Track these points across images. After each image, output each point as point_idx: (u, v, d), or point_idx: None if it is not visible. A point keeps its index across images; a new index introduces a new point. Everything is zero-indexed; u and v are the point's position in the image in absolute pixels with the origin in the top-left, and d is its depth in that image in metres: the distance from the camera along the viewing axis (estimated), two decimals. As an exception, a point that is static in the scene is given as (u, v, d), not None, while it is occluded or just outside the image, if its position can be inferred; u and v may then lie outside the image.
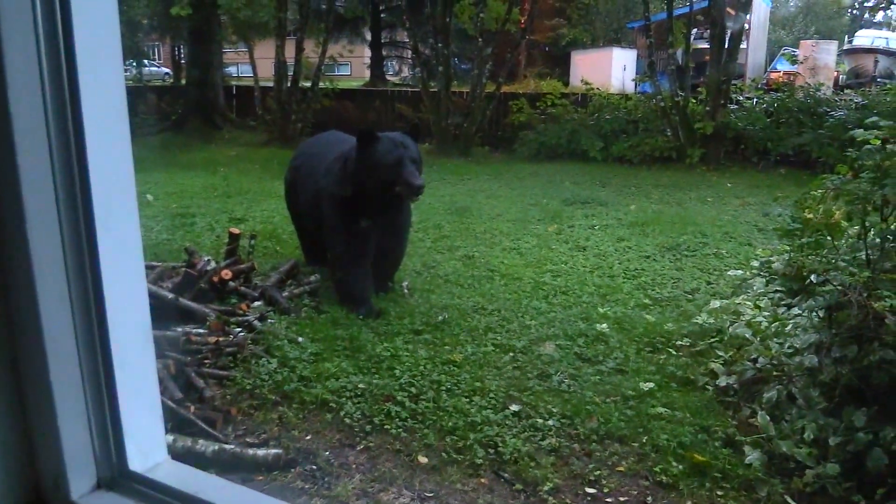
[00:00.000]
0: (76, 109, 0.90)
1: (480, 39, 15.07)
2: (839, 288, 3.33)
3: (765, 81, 19.64)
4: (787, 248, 4.16)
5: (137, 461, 1.03)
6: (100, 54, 0.92)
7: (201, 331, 4.30)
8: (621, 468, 3.21)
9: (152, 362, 1.07)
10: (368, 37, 30.02)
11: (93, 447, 1.00)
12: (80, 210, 0.92)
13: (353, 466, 3.23)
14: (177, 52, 26.03)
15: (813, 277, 3.55)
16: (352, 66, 33.28)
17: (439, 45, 15.06)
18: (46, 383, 0.94)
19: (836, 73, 24.23)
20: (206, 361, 4.05)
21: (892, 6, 16.76)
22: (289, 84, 16.16)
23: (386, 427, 3.49)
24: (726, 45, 13.37)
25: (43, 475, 1.00)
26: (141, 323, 1.04)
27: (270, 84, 16.98)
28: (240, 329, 4.42)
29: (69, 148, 0.91)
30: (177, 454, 2.89)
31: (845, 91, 18.54)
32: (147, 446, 1.05)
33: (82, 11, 0.89)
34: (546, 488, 3.04)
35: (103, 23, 0.93)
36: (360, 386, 3.82)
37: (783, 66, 23.84)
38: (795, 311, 3.93)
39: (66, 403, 0.96)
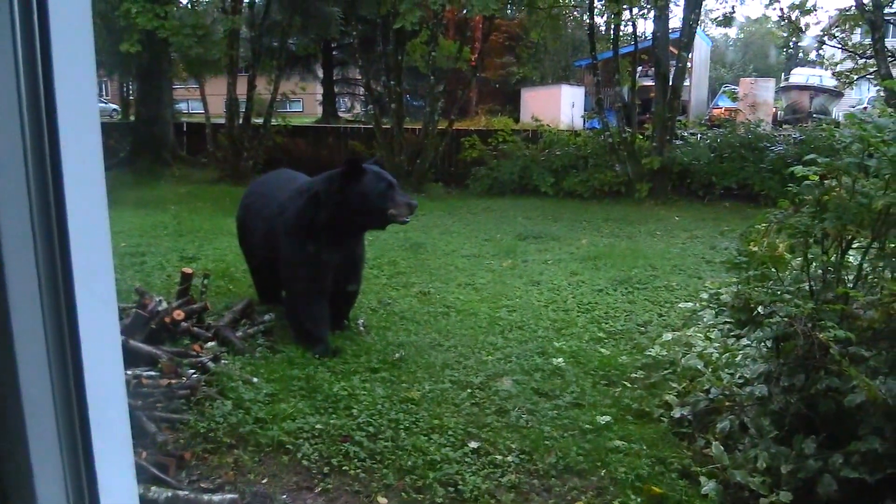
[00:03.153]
0: (54, 148, 0.90)
1: (432, 77, 15.27)
2: (785, 319, 3.43)
3: (707, 117, 20.30)
4: (735, 280, 4.27)
5: None
6: (77, 88, 0.93)
7: (153, 373, 4.20)
8: (581, 502, 3.22)
9: (127, 420, 1.06)
10: (321, 74, 30.16)
11: None
12: (58, 263, 0.92)
13: (312, 509, 3.17)
14: (125, 89, 25.73)
15: (760, 309, 3.66)
16: (304, 102, 33.34)
17: (391, 82, 15.22)
18: (23, 442, 0.92)
19: (774, 110, 25.20)
20: (157, 405, 3.95)
21: (825, 46, 17.54)
22: (241, 121, 16.09)
23: (344, 468, 3.44)
24: (670, 83, 13.81)
25: None
26: (117, 379, 1.03)
27: (222, 121, 16.88)
28: (193, 371, 4.33)
29: (47, 193, 0.91)
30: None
31: (783, 126, 19.32)
32: (121, 502, 1.03)
33: (60, 46, 0.89)
34: (507, 526, 3.03)
35: (80, 57, 0.94)
36: (318, 426, 3.78)
37: (724, 103, 24.69)
38: (745, 341, 4.04)
39: (42, 462, 0.94)
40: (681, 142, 14.37)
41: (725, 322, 4.11)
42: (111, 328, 1.02)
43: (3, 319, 0.89)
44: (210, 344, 4.79)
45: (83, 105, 0.96)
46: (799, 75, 29.24)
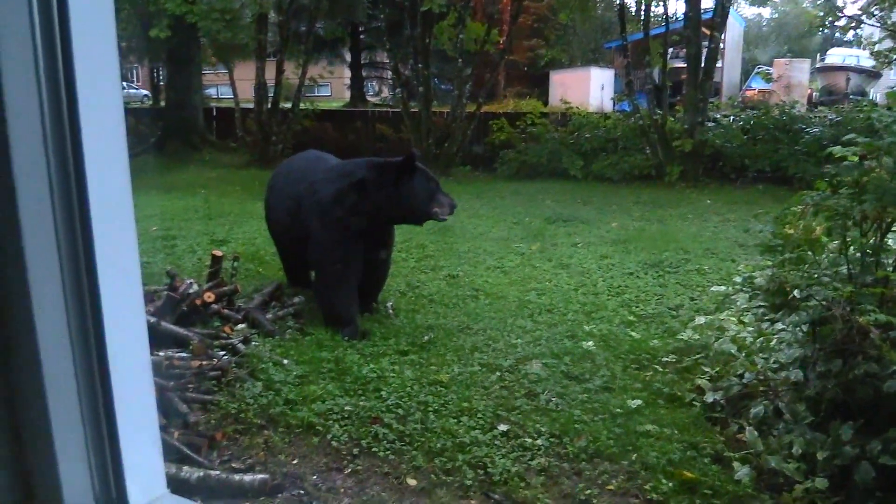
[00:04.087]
0: (76, 136, 0.89)
1: (460, 60, 15.17)
2: (823, 303, 3.36)
3: (740, 99, 19.95)
4: (769, 263, 4.19)
5: (137, 497, 1.01)
6: (99, 78, 0.91)
7: (184, 355, 4.24)
8: (611, 487, 3.19)
9: (152, 395, 1.05)
10: (348, 58, 30.14)
11: (93, 485, 0.98)
12: (79, 242, 0.91)
13: (342, 490, 3.19)
14: (155, 75, 25.98)
15: (796, 293, 3.58)
16: (332, 86, 33.36)
17: (419, 65, 15.15)
18: (46, 422, 0.92)
19: (809, 91, 24.66)
20: (189, 386, 3.99)
21: (862, 25, 17.08)
22: (269, 105, 16.15)
23: (373, 450, 3.45)
24: (702, 64, 13.57)
25: None
26: (141, 356, 1.02)
27: (251, 105, 16.96)
28: (223, 352, 4.36)
29: (69, 178, 0.90)
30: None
31: (819, 108, 18.89)
32: (147, 481, 1.03)
33: (81, 35, 0.88)
34: (537, 508, 3.02)
35: (102, 44, 0.92)
36: (347, 408, 3.79)
37: (758, 84, 24.24)
38: (779, 326, 3.96)
39: (66, 441, 0.94)
40: (713, 124, 14.13)
41: (759, 306, 4.04)
42: (135, 308, 1.01)
43: (25, 298, 0.88)
44: (240, 326, 4.83)
45: (104, 87, 0.94)
46: (835, 56, 28.54)
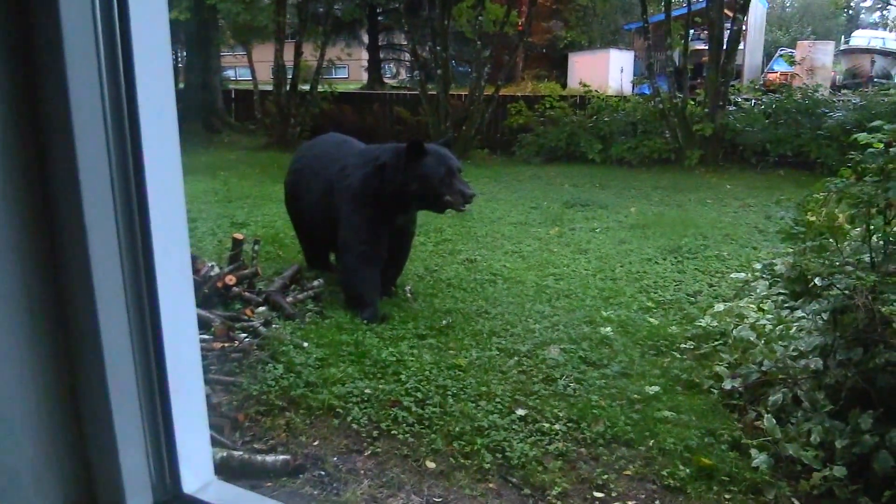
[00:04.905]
0: (134, 124, 0.91)
1: (479, 42, 15.09)
2: (844, 291, 3.34)
3: (762, 82, 19.69)
4: (790, 250, 4.17)
5: (190, 482, 1.05)
6: (154, 65, 0.94)
7: (206, 337, 4.30)
8: (628, 472, 3.22)
9: (202, 384, 1.08)
10: (366, 39, 30.03)
11: (149, 471, 1.02)
12: (138, 237, 0.94)
13: (362, 472, 3.23)
14: (175, 57, 26.03)
15: (817, 281, 3.57)
16: (349, 69, 33.30)
17: (437, 47, 15.08)
18: (107, 410, 0.95)
19: (833, 74, 24.29)
20: (211, 367, 4.05)
21: (889, 7, 16.78)
22: (288, 87, 16.16)
23: (393, 432, 3.49)
24: (724, 46, 13.40)
25: (100, 500, 1.01)
26: (193, 346, 1.05)
27: (269, 87, 16.98)
28: (245, 335, 4.42)
29: (127, 167, 0.92)
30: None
31: (843, 91, 18.61)
32: (197, 467, 1.07)
33: (139, 25, 0.90)
34: (554, 493, 3.04)
35: (157, 34, 0.94)
36: (367, 391, 3.83)
37: (781, 67, 23.90)
38: (799, 313, 3.95)
39: (125, 429, 0.97)
40: (734, 107, 13.97)
41: (780, 293, 4.03)
42: (188, 304, 1.05)
43: (89, 294, 0.91)
44: (261, 309, 4.87)
45: (159, 77, 0.97)
46: (860, 38, 28.03)
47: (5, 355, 0.90)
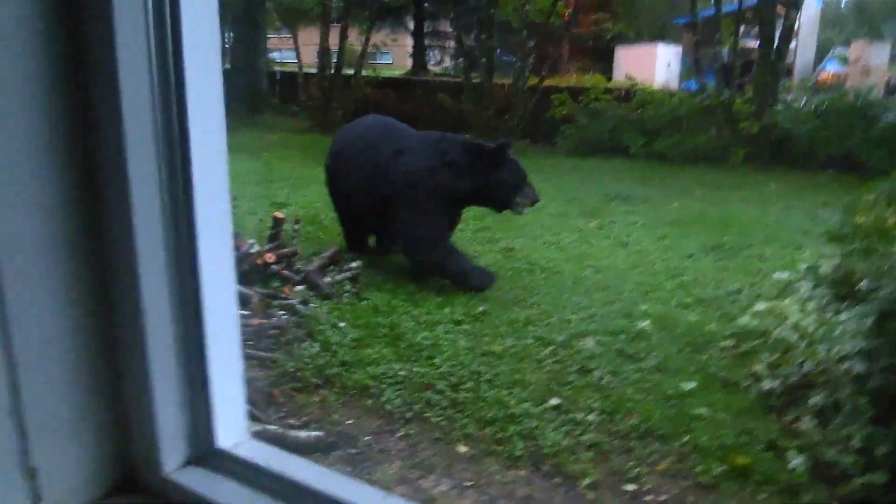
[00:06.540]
0: (181, 103, 0.93)
1: (524, 32, 14.97)
2: (892, 295, 3.26)
3: (814, 82, 19.22)
4: (836, 252, 4.08)
5: (224, 439, 1.07)
6: (202, 44, 0.96)
7: (245, 312, 4.36)
8: (661, 467, 3.19)
9: (238, 341, 1.10)
10: (411, 26, 29.99)
11: (184, 425, 1.04)
12: (180, 196, 0.96)
13: (393, 452, 3.26)
14: (222, 37, 26.32)
15: (863, 283, 3.49)
16: (394, 54, 33.30)
17: (483, 36, 15.01)
18: (144, 366, 0.97)
19: (888, 76, 23.61)
20: (248, 343, 4.11)
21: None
22: (332, 71, 16.23)
23: (426, 415, 3.51)
24: (775, 44, 13.11)
25: (135, 452, 1.04)
26: (230, 302, 1.07)
27: (313, 70, 17.08)
28: (282, 312, 4.47)
29: (173, 143, 0.95)
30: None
31: (897, 94, 18.07)
32: (232, 424, 1.08)
33: (189, 16, 0.92)
34: (585, 483, 3.04)
35: (206, 12, 0.96)
36: (401, 373, 3.86)
37: (833, 67, 23.30)
38: (843, 316, 3.86)
39: (162, 383, 0.99)
40: (783, 106, 13.67)
41: (824, 295, 3.95)
42: (226, 252, 1.06)
43: (129, 250, 0.93)
44: (299, 287, 4.93)
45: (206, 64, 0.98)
46: (918, 39, 27.24)
47: (46, 312, 0.92)
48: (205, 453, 1.07)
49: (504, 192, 5.03)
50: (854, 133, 12.24)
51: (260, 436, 3.25)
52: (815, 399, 3.44)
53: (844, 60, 22.60)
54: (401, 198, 5.15)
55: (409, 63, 30.93)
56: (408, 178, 5.11)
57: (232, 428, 1.09)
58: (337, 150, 5.90)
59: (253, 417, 3.42)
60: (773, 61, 13.11)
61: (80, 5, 0.88)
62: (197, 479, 1.04)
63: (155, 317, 0.97)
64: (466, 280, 5.08)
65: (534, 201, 5.23)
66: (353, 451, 3.26)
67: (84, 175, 0.93)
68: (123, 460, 1.04)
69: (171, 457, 1.04)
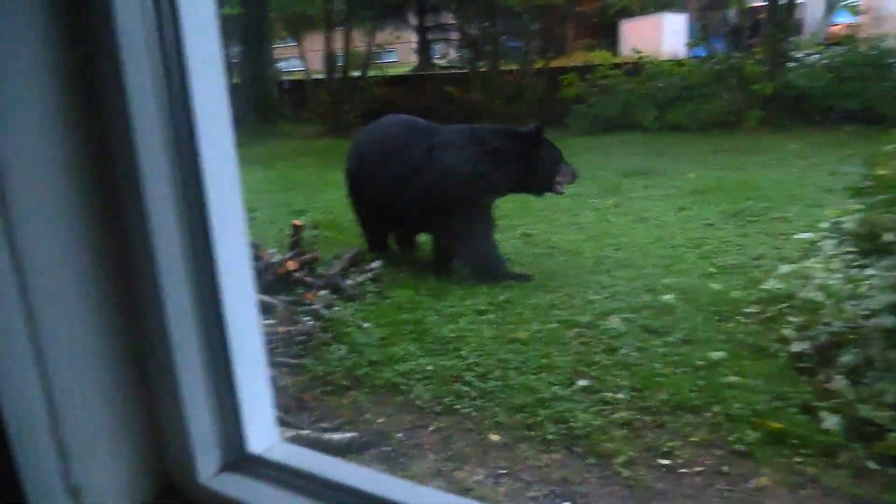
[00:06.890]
0: (191, 122, 0.96)
1: (527, 15, 14.90)
2: (916, 245, 3.22)
3: (825, 36, 18.87)
4: (860, 206, 4.03)
5: (255, 443, 1.10)
6: (206, 64, 0.99)
7: (271, 321, 4.42)
8: (695, 438, 3.18)
9: (262, 346, 1.13)
10: (413, 21, 29.94)
11: (216, 432, 1.07)
12: (195, 212, 0.99)
13: (427, 446, 3.28)
14: (228, 52, 26.48)
15: (889, 236, 3.45)
16: (399, 52, 33.29)
17: (486, 23, 14.96)
18: (173, 375, 1.01)
19: (902, 22, 23.10)
20: (277, 350, 4.17)
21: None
22: (339, 75, 16.29)
23: (456, 407, 3.53)
24: (783, 1, 12.90)
25: (171, 463, 1.07)
26: (251, 309, 1.10)
27: (321, 76, 17.15)
28: (308, 318, 4.52)
29: (184, 161, 0.98)
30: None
31: (913, 40, 17.69)
32: (262, 428, 1.12)
33: (191, 26, 0.95)
34: (619, 461, 3.04)
35: (207, 33, 0.99)
36: (429, 368, 3.88)
37: (844, 18, 22.85)
38: (870, 271, 3.82)
39: (191, 391, 1.03)
40: (795, 64, 13.45)
41: (848, 251, 3.91)
42: (244, 260, 1.09)
43: (150, 260, 0.97)
44: (322, 292, 4.97)
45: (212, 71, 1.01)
46: (931, -18, 26.60)
47: (77, 332, 0.96)
48: (238, 459, 1.10)
49: (545, 174, 5.10)
50: (871, 85, 12.02)
51: (294, 441, 3.30)
52: (846, 357, 3.41)
53: (855, 11, 22.16)
54: (445, 193, 5.16)
55: (414, 59, 30.91)
56: (450, 172, 5.11)
57: (262, 433, 1.12)
58: (360, 153, 5.86)
59: (286, 424, 3.47)
60: (783, 18, 12.90)
61: (87, 36, 0.91)
62: (233, 485, 1.07)
63: (180, 330, 1.00)
64: (494, 277, 5.13)
65: (574, 177, 5.28)
66: (387, 448, 3.29)
67: (105, 199, 0.97)
68: (160, 471, 1.08)
69: (207, 464, 1.07)
